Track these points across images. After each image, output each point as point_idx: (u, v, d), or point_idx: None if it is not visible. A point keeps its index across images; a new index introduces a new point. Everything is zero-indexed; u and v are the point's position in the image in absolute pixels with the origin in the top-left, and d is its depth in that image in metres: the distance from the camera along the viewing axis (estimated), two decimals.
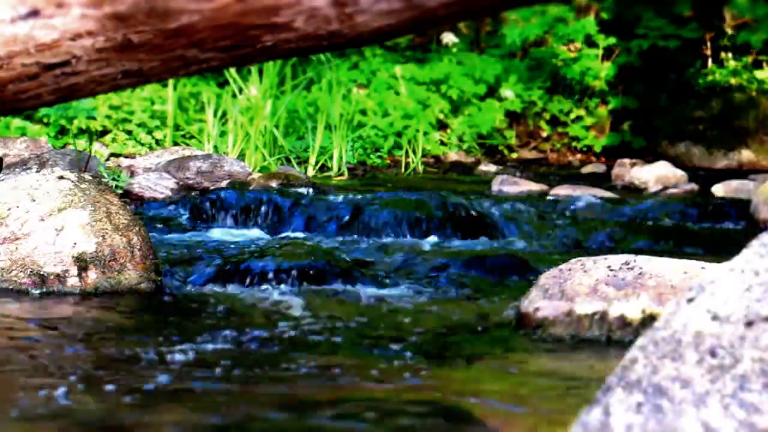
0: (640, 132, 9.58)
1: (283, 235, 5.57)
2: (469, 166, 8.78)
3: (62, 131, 7.84)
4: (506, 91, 9.48)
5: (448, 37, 9.75)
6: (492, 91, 9.56)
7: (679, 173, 7.79)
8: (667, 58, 9.66)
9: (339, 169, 7.87)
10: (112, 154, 7.64)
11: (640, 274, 3.39)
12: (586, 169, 8.84)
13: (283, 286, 4.18)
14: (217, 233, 5.49)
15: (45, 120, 7.83)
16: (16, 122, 7.63)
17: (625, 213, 6.30)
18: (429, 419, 2.44)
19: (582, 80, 9.66)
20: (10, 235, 3.92)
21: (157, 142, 8.06)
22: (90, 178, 4.16)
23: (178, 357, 3.00)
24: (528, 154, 9.61)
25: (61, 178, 4.09)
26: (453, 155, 9.08)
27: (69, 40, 2.37)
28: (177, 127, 8.27)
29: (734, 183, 7.36)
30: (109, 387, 2.68)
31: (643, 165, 8.02)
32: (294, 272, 4.23)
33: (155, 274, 3.98)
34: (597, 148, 9.57)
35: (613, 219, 6.14)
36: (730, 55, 9.89)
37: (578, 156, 9.64)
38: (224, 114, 7.94)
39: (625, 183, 7.86)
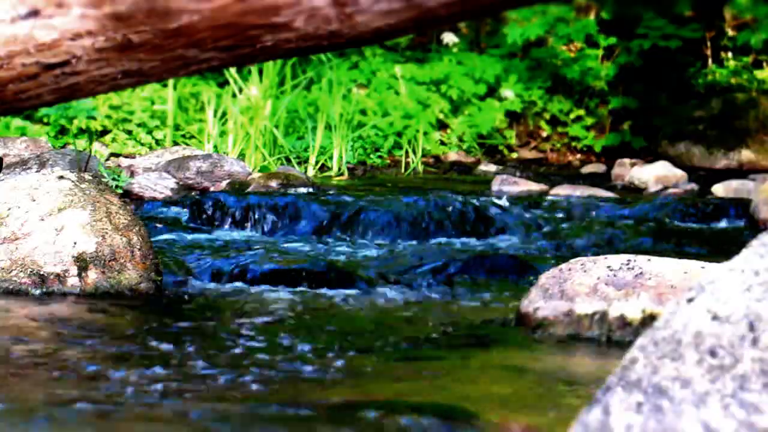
0: (640, 132, 9.58)
1: (282, 235, 5.57)
2: (469, 166, 8.78)
3: (62, 131, 7.84)
4: (506, 91, 9.48)
5: (449, 37, 9.75)
6: (492, 91, 9.55)
7: (679, 173, 7.79)
8: (668, 58, 9.66)
9: (339, 169, 7.87)
10: (112, 154, 7.63)
11: (640, 274, 3.39)
12: (586, 169, 8.84)
13: (282, 286, 4.18)
14: (216, 233, 5.49)
15: (45, 120, 7.83)
16: (16, 122, 7.63)
17: (625, 213, 6.30)
18: (429, 419, 2.44)
19: (582, 80, 9.66)
20: (10, 235, 3.92)
21: (157, 142, 8.06)
22: (90, 178, 4.16)
23: (178, 357, 2.99)
24: (528, 154, 9.61)
25: (61, 178, 4.09)
26: (453, 155, 9.07)
27: (69, 40, 2.37)
28: (177, 127, 8.26)
29: (734, 183, 7.35)
30: (109, 387, 2.68)
31: (643, 165, 8.01)
32: (293, 272, 4.23)
33: (155, 274, 3.98)
34: (597, 148, 9.56)
35: (613, 219, 6.14)
36: (730, 55, 9.89)
37: (578, 156, 9.63)
38: (224, 114, 7.94)
39: (625, 183, 7.86)
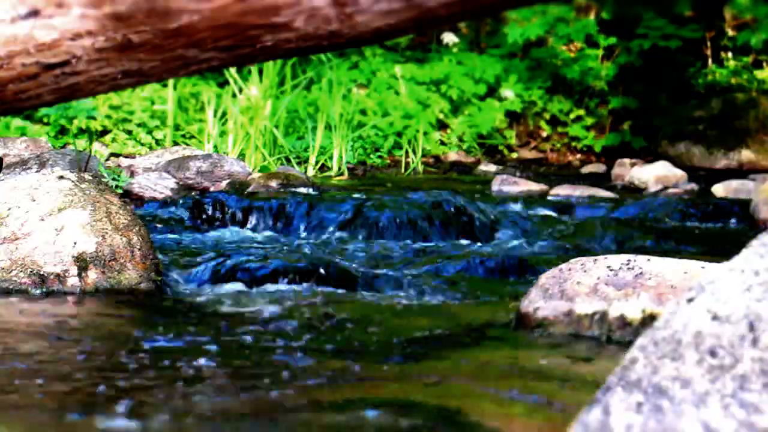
0: (640, 132, 9.58)
1: (282, 235, 5.57)
2: (469, 166, 8.78)
3: (62, 131, 7.84)
4: (506, 91, 9.48)
5: (449, 37, 9.75)
6: (492, 91, 9.56)
7: (679, 173, 7.79)
8: (668, 58, 9.66)
9: (339, 169, 7.87)
10: (112, 154, 7.64)
11: (640, 274, 3.39)
12: (586, 169, 8.84)
13: (282, 286, 4.18)
14: (217, 233, 5.49)
15: (45, 120, 7.83)
16: (16, 122, 7.63)
17: (625, 213, 6.30)
18: (429, 419, 2.44)
19: (582, 80, 9.66)
20: (10, 235, 3.92)
21: (157, 142, 8.06)
22: (90, 178, 4.16)
23: (178, 357, 3.00)
24: (528, 154, 9.61)
25: (61, 178, 4.09)
26: (453, 155, 9.07)
27: (69, 40, 2.37)
28: (177, 127, 8.27)
29: (734, 183, 7.36)
30: (109, 387, 2.68)
31: (643, 165, 8.02)
32: (293, 272, 4.23)
33: (155, 274, 3.98)
34: (597, 148, 9.57)
35: (613, 219, 6.14)
36: (730, 55, 9.89)
37: (578, 156, 9.63)
38: (224, 114, 7.94)
39: (625, 183, 7.86)
